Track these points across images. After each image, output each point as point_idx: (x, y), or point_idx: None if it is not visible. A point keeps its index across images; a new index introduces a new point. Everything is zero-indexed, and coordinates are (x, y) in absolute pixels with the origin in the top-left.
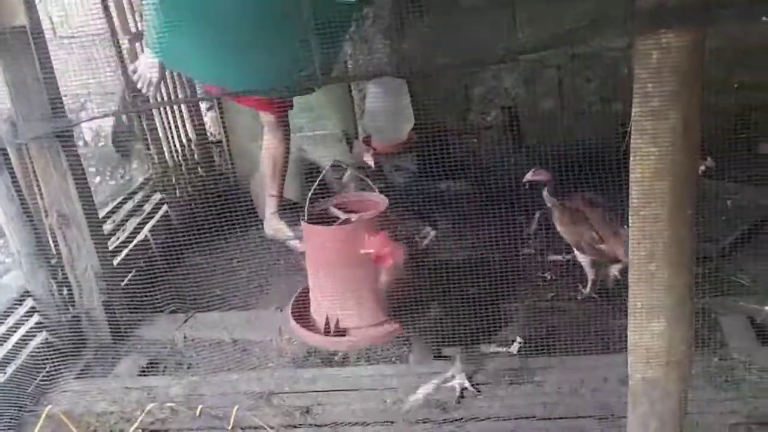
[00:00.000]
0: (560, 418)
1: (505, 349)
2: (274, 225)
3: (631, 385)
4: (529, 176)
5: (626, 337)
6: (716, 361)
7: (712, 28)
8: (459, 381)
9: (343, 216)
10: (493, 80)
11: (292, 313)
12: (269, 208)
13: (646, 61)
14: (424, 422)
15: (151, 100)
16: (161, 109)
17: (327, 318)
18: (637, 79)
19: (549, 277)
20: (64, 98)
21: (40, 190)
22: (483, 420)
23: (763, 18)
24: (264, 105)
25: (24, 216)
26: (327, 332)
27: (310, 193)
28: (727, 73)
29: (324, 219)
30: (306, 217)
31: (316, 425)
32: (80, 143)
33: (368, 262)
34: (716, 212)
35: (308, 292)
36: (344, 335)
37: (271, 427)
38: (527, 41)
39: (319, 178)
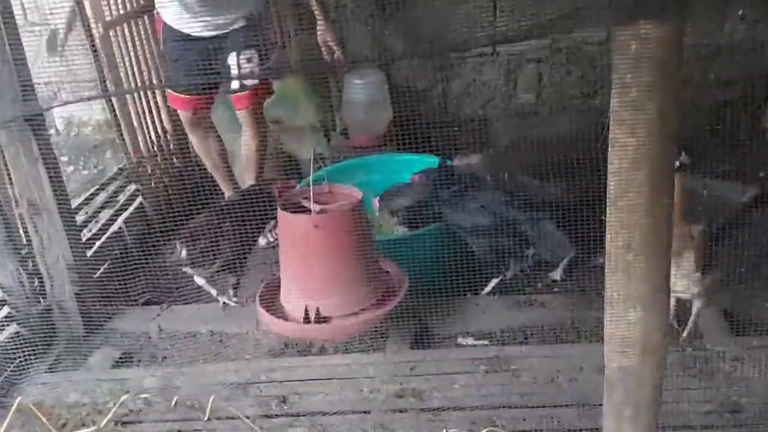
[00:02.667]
0: (537, 406)
1: (481, 342)
2: None
3: (606, 374)
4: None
5: (602, 326)
6: (690, 351)
7: (689, 20)
8: None
9: (316, 207)
10: (473, 73)
11: (261, 304)
12: (226, 191)
13: (625, 52)
14: (401, 411)
15: None
16: (135, 98)
17: (306, 308)
18: (616, 70)
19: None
20: (36, 86)
21: (10, 178)
22: (460, 409)
23: (739, 12)
24: (238, 97)
25: None
26: (306, 322)
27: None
28: (702, 69)
29: (298, 209)
30: (281, 206)
31: (292, 414)
32: (52, 131)
33: (345, 251)
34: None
35: (276, 282)
36: (320, 324)
37: (247, 417)
38: (508, 30)
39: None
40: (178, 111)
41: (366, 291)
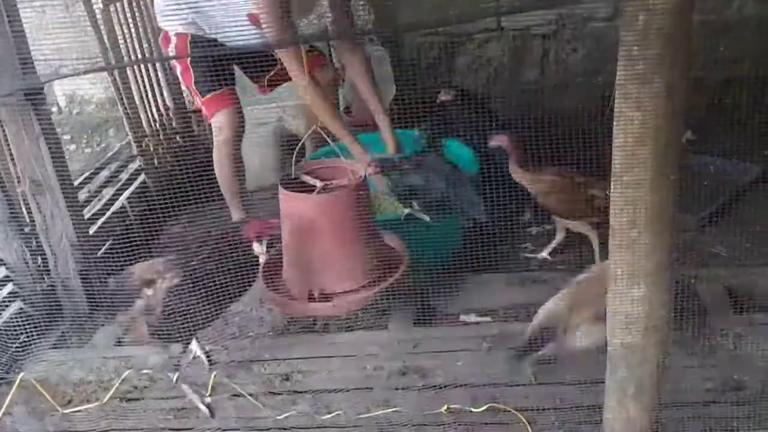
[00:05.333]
0: (540, 384)
1: (484, 319)
2: None
3: (609, 351)
4: (491, 143)
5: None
6: (693, 329)
7: None
8: None
9: (319, 184)
10: (478, 50)
11: (264, 282)
12: (233, 214)
13: (633, 24)
14: (404, 389)
15: None
16: (138, 76)
17: (309, 286)
18: (623, 42)
19: (529, 248)
20: (36, 63)
21: (12, 156)
22: (462, 386)
23: None
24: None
25: None
26: (311, 299)
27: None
28: (710, 46)
29: (299, 186)
30: (283, 185)
31: (295, 392)
32: (54, 109)
33: (346, 230)
34: (696, 185)
35: (278, 260)
36: (323, 303)
37: (251, 394)
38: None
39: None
40: (220, 119)
41: (367, 267)
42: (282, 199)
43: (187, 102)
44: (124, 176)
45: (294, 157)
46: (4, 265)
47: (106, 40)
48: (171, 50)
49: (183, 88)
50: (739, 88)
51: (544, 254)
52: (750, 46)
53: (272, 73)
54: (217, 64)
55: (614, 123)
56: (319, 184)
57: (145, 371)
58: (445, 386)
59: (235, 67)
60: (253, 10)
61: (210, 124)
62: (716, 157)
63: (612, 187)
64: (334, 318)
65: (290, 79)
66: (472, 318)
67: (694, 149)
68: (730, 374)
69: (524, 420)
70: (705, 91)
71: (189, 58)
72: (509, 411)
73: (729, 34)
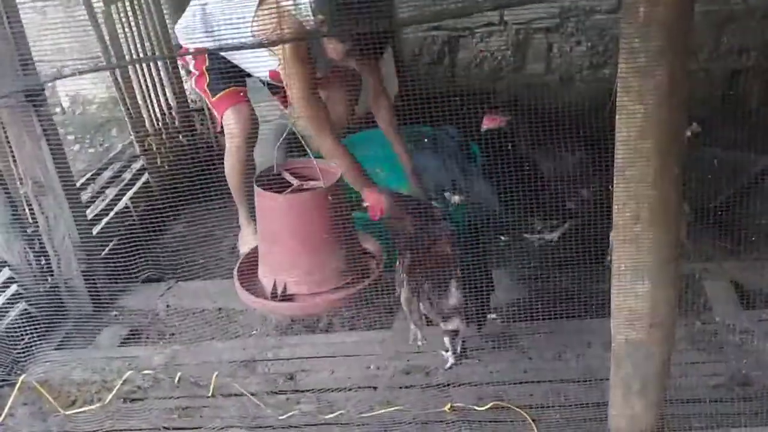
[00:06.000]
0: (544, 381)
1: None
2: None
3: (614, 348)
4: (484, 124)
5: (610, 301)
6: (699, 324)
7: None
8: None
9: (296, 182)
10: (481, 44)
11: (239, 279)
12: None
13: (633, 16)
14: (408, 387)
15: None
16: (139, 75)
17: (285, 284)
18: (624, 35)
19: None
20: (38, 64)
21: (14, 157)
22: (466, 385)
23: None
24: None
25: None
26: (274, 297)
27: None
28: (715, 37)
29: (278, 183)
30: (258, 182)
31: (299, 391)
32: (57, 110)
33: (314, 231)
34: (702, 177)
35: (253, 258)
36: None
37: (253, 394)
38: None
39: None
40: (230, 119)
41: (336, 271)
42: (255, 195)
43: (189, 101)
44: (127, 176)
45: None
46: (8, 266)
47: (107, 40)
48: (191, 64)
49: (189, 88)
50: (745, 80)
51: (555, 236)
52: (756, 36)
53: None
54: (231, 68)
55: (616, 116)
56: (295, 183)
57: (148, 371)
58: (448, 385)
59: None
60: (279, 70)
61: (221, 130)
62: (723, 149)
63: (615, 181)
64: (309, 317)
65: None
66: None
67: (700, 142)
68: (738, 369)
69: (529, 418)
70: (711, 83)
71: (206, 66)
72: (514, 409)
73: (734, 24)
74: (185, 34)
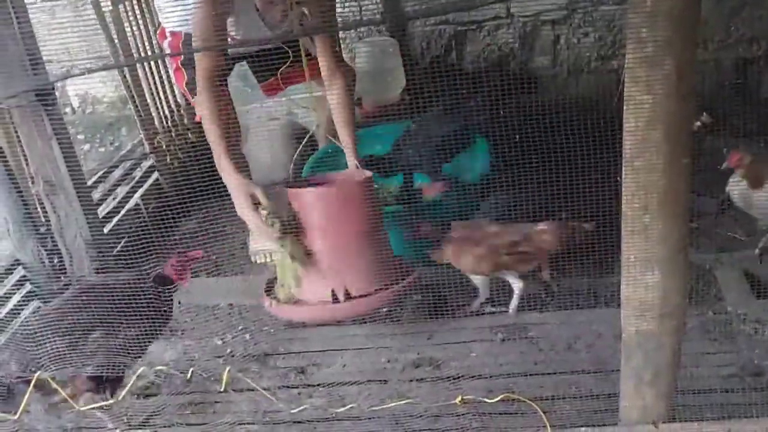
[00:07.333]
0: (554, 373)
1: (498, 309)
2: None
3: (624, 338)
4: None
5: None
6: (711, 314)
7: None
8: None
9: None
10: (488, 37)
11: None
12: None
13: (641, 6)
14: (418, 380)
15: None
16: (148, 74)
17: (344, 287)
18: (631, 25)
19: None
20: (47, 64)
21: (25, 157)
22: (477, 377)
23: None
24: None
25: (10, 183)
26: (335, 302)
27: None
28: (725, 26)
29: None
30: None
31: (310, 385)
32: (67, 110)
33: (366, 229)
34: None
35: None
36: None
37: (266, 389)
38: None
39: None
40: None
41: (383, 266)
42: (296, 197)
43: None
44: (137, 174)
45: (297, 152)
46: (21, 265)
47: (115, 40)
48: (165, 47)
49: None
50: (756, 69)
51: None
52: (766, 25)
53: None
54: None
55: (624, 107)
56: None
57: (160, 367)
58: (459, 377)
59: (245, 68)
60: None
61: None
62: (734, 138)
63: (623, 172)
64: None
65: (298, 81)
66: (487, 308)
67: (711, 131)
68: (750, 359)
69: (540, 410)
70: (720, 73)
71: (180, 59)
72: (525, 401)
73: (743, 13)
74: (163, 13)
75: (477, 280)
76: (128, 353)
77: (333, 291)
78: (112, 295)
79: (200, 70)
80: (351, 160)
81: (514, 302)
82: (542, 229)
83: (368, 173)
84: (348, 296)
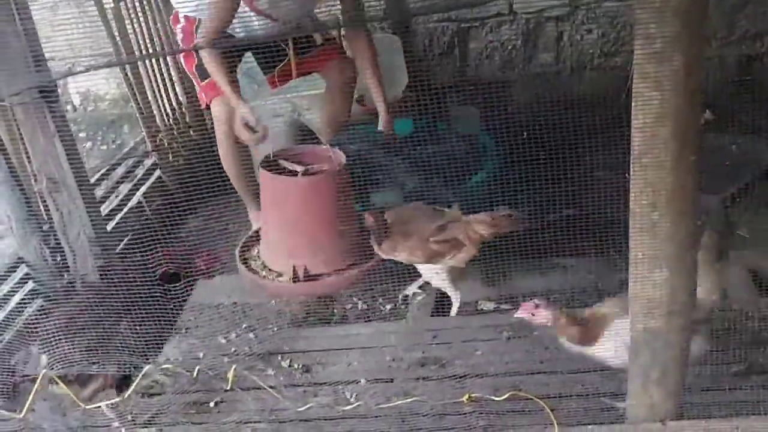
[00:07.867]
0: (560, 372)
1: (504, 307)
2: None
3: (632, 336)
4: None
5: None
6: (717, 312)
7: None
8: None
9: (299, 168)
10: (491, 34)
11: (241, 263)
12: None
13: (649, 2)
14: (424, 379)
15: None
16: (150, 71)
17: (294, 267)
18: (639, 21)
19: None
20: (50, 62)
21: (28, 154)
22: (483, 376)
23: None
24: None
25: (13, 181)
26: (296, 280)
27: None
28: (729, 22)
29: (278, 171)
30: (263, 166)
31: (316, 383)
32: (69, 107)
33: (330, 212)
34: (717, 165)
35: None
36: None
37: (272, 387)
38: None
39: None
40: (216, 108)
41: (349, 250)
42: (262, 181)
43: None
44: (140, 172)
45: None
46: (24, 263)
47: (117, 37)
48: (179, 30)
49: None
50: (759, 65)
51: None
52: None
53: (282, 64)
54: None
55: (633, 103)
56: (299, 168)
57: (166, 366)
58: (465, 375)
59: (252, 61)
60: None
61: (207, 106)
62: (738, 136)
63: (631, 169)
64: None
65: (302, 74)
66: (491, 306)
67: (714, 128)
68: (756, 358)
69: (547, 408)
70: (723, 70)
71: (192, 43)
72: (532, 399)
73: (748, 9)
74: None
75: (442, 283)
76: (146, 350)
77: (294, 268)
78: (132, 292)
79: (209, 27)
80: (381, 105)
81: (454, 311)
82: (474, 218)
83: (342, 157)
84: (307, 275)
